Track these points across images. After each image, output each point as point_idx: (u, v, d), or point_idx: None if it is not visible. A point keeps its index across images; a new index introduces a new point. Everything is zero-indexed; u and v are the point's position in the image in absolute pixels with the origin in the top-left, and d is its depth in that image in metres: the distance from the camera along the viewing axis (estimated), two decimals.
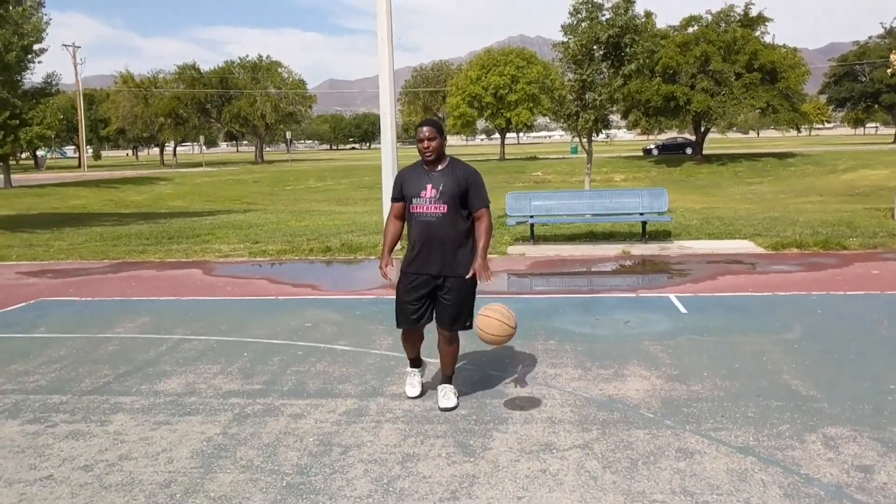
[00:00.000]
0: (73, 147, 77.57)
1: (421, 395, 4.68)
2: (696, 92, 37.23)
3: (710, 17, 40.10)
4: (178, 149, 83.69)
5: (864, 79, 60.63)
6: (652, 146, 50.24)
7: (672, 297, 7.47)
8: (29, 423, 4.41)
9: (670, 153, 46.49)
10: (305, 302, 7.79)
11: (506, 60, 52.12)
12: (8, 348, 6.18)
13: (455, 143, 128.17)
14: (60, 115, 29.05)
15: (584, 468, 3.60)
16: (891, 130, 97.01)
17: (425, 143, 4.32)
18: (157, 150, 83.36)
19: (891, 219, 13.25)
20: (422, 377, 4.78)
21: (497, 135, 64.10)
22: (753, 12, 39.41)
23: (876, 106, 62.92)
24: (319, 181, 38.32)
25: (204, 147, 74.78)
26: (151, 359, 5.72)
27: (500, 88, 51.33)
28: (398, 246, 4.74)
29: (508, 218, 11.69)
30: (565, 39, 14.65)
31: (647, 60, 15.46)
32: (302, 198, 29.78)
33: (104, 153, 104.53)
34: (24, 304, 8.09)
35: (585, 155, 15.50)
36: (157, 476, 3.64)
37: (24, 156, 55.20)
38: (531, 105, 51.20)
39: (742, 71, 37.21)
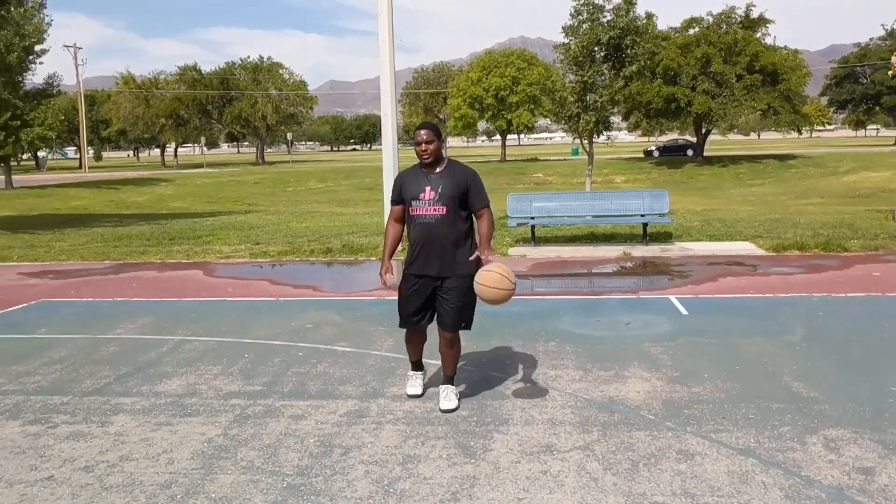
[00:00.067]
0: (74, 148, 77.65)
1: (421, 395, 4.68)
2: (697, 93, 37.24)
3: (711, 19, 40.13)
4: (179, 150, 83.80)
5: (865, 81, 60.60)
6: (653, 148, 50.25)
7: (673, 298, 7.46)
8: (30, 424, 4.41)
9: (671, 155, 46.51)
10: (306, 303, 7.79)
11: (507, 62, 52.15)
12: (9, 349, 6.18)
13: (456, 145, 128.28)
14: (61, 116, 29.02)
15: (585, 469, 3.60)
16: (892, 132, 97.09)
17: (423, 146, 4.34)
18: (157, 151, 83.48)
19: (892, 220, 13.24)
20: (423, 380, 4.80)
21: (498, 136, 64.11)
22: (754, 14, 39.46)
23: (877, 108, 62.87)
24: (320, 182, 38.35)
25: (205, 148, 74.88)
26: (152, 360, 5.72)
27: (501, 90, 51.36)
28: (399, 247, 4.75)
29: (509, 219, 11.69)
30: (566, 41, 14.64)
31: (648, 62, 15.47)
32: (303, 199, 29.81)
33: (105, 154, 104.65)
34: (25, 304, 8.09)
35: (586, 156, 15.50)
36: (157, 477, 3.64)
37: (25, 157, 55.23)
38: (532, 107, 51.22)
39: (743, 73, 37.23)
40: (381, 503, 3.32)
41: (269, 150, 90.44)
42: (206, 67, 69.51)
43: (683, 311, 6.94)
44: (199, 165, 62.92)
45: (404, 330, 4.65)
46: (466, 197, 4.37)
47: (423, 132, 4.35)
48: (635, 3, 14.29)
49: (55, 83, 30.22)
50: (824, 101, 71.49)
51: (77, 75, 59.16)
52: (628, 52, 14.26)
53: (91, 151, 79.39)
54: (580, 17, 14.38)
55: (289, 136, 69.52)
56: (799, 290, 7.73)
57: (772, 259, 9.84)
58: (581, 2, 14.33)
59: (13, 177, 35.12)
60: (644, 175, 36.88)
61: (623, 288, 8.28)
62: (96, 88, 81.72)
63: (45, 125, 26.49)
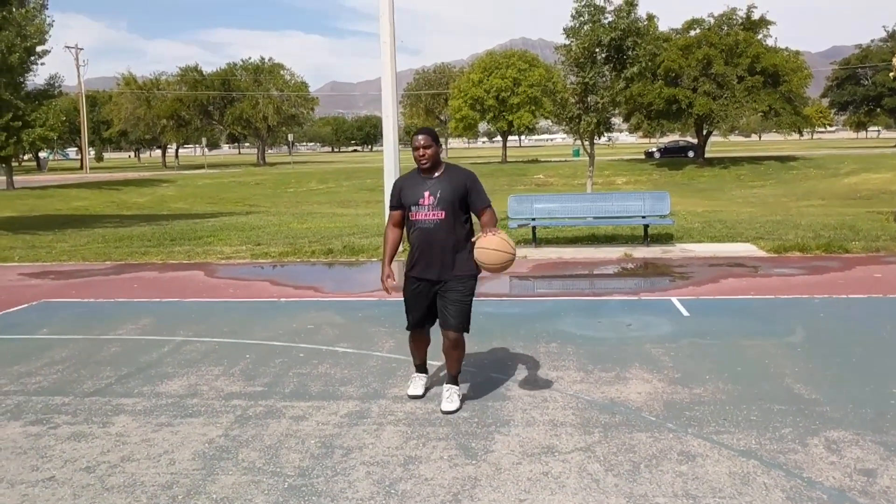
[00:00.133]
0: (76, 149, 77.72)
1: (422, 397, 4.68)
2: (698, 95, 37.24)
3: (712, 21, 40.15)
4: (181, 151, 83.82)
5: (867, 82, 60.57)
6: (654, 149, 50.26)
7: (674, 300, 7.46)
8: (31, 425, 4.41)
9: (672, 156, 46.54)
10: (307, 304, 7.79)
11: (508, 63, 52.17)
12: (10, 349, 6.18)
13: (457, 146, 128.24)
14: (63, 116, 29.02)
15: (586, 471, 3.60)
16: (893, 134, 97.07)
17: (420, 151, 4.35)
18: (159, 152, 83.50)
19: (893, 222, 13.23)
20: (426, 383, 4.81)
21: (499, 137, 64.12)
22: (756, 15, 39.48)
23: (878, 109, 62.82)
24: (321, 183, 38.35)
25: (206, 149, 74.94)
26: (153, 360, 5.72)
27: (502, 91, 51.37)
28: (400, 248, 4.75)
29: (510, 221, 11.69)
30: (567, 42, 14.67)
31: (650, 63, 15.48)
32: (304, 200, 29.82)
33: (106, 155, 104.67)
34: (26, 305, 8.10)
35: (587, 158, 15.50)
36: (158, 478, 3.64)
37: (26, 157, 55.26)
38: (533, 108, 51.23)
39: (744, 74, 37.23)
40: None
41: (270, 151, 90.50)
42: (208, 68, 69.72)
43: (685, 312, 6.94)
44: (201, 166, 62.96)
45: (406, 332, 4.66)
46: (466, 200, 4.38)
47: (420, 137, 4.36)
48: (636, 5, 14.32)
49: (56, 84, 30.22)
50: (825, 102, 71.46)
51: (78, 76, 59.27)
52: (629, 53, 14.28)
53: (92, 152, 79.47)
54: (581, 18, 14.41)
55: (290, 137, 69.57)
56: (800, 292, 7.73)
57: (773, 260, 9.84)
58: (582, 3, 14.36)
59: (14, 177, 35.14)
60: (645, 176, 36.87)
61: (624, 289, 8.27)
62: (97, 89, 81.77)
63: (46, 126, 26.50)
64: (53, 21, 24.73)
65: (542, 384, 4.91)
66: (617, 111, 16.47)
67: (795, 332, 6.11)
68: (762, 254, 10.32)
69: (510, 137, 61.06)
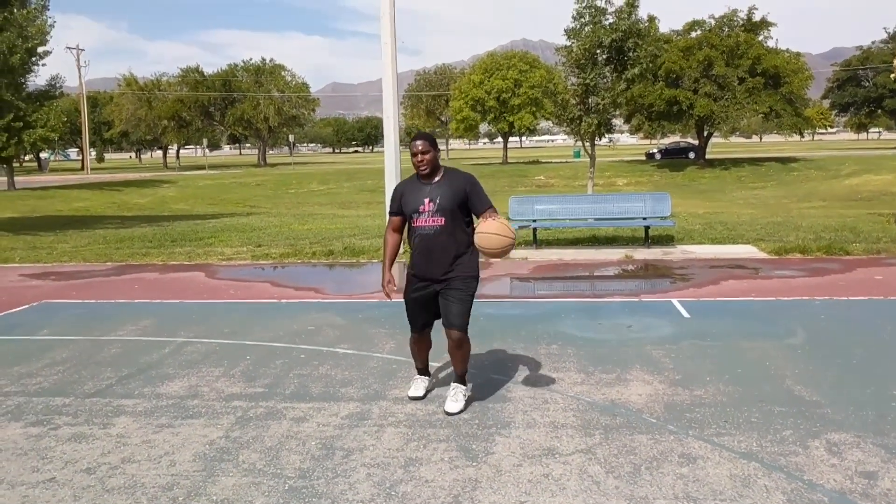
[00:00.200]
0: (77, 150, 77.74)
1: (423, 398, 4.68)
2: (699, 96, 37.23)
3: (713, 22, 40.12)
4: (181, 152, 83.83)
5: (868, 83, 60.56)
6: (655, 150, 50.26)
7: (675, 301, 7.46)
8: (31, 426, 4.42)
9: (673, 157, 46.52)
10: (308, 305, 7.80)
11: (509, 64, 52.16)
12: (11, 350, 6.19)
13: (457, 147, 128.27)
14: (64, 117, 29.08)
15: (587, 473, 3.60)
16: (894, 135, 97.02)
17: (419, 157, 4.35)
18: (159, 152, 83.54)
19: (894, 224, 13.23)
20: (427, 385, 4.81)
21: (499, 139, 64.13)
22: (756, 17, 39.46)
23: (879, 111, 62.83)
24: (322, 184, 38.34)
25: (207, 150, 74.91)
26: (154, 361, 5.73)
27: (503, 92, 51.36)
28: (401, 249, 4.76)
29: (511, 222, 11.68)
30: (568, 43, 14.66)
31: (650, 65, 15.46)
32: (305, 201, 29.80)
33: (107, 156, 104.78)
34: (27, 306, 8.10)
35: (588, 159, 15.50)
36: (159, 479, 3.64)
37: (27, 158, 55.30)
38: (534, 109, 51.20)
39: (745, 75, 37.21)
40: None
41: (270, 151, 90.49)
42: (209, 69, 69.54)
43: (685, 314, 6.93)
44: (201, 167, 62.94)
45: (407, 334, 4.67)
46: (467, 204, 4.38)
47: (418, 143, 4.35)
48: (637, 6, 14.31)
49: (58, 85, 30.25)
50: (826, 104, 71.40)
51: (79, 77, 59.33)
52: (630, 54, 14.27)
53: (93, 153, 79.52)
54: (582, 19, 14.40)
55: (291, 137, 69.53)
56: (801, 294, 7.72)
57: (774, 262, 9.83)
58: (583, 4, 14.35)
59: (15, 178, 35.17)
60: (646, 178, 36.85)
61: (625, 291, 8.27)
62: (98, 90, 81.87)
63: (47, 127, 26.54)
64: (54, 22, 24.75)
65: (543, 386, 4.91)
66: (618, 112, 16.46)
67: (796, 333, 6.11)
68: (763, 255, 10.31)
69: (511, 139, 61.06)
